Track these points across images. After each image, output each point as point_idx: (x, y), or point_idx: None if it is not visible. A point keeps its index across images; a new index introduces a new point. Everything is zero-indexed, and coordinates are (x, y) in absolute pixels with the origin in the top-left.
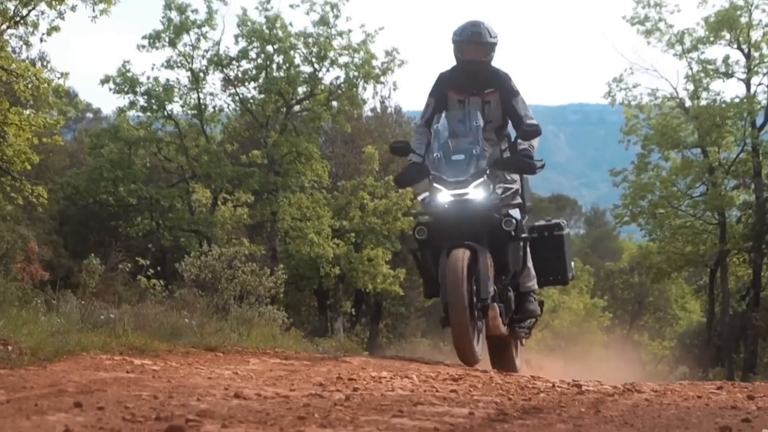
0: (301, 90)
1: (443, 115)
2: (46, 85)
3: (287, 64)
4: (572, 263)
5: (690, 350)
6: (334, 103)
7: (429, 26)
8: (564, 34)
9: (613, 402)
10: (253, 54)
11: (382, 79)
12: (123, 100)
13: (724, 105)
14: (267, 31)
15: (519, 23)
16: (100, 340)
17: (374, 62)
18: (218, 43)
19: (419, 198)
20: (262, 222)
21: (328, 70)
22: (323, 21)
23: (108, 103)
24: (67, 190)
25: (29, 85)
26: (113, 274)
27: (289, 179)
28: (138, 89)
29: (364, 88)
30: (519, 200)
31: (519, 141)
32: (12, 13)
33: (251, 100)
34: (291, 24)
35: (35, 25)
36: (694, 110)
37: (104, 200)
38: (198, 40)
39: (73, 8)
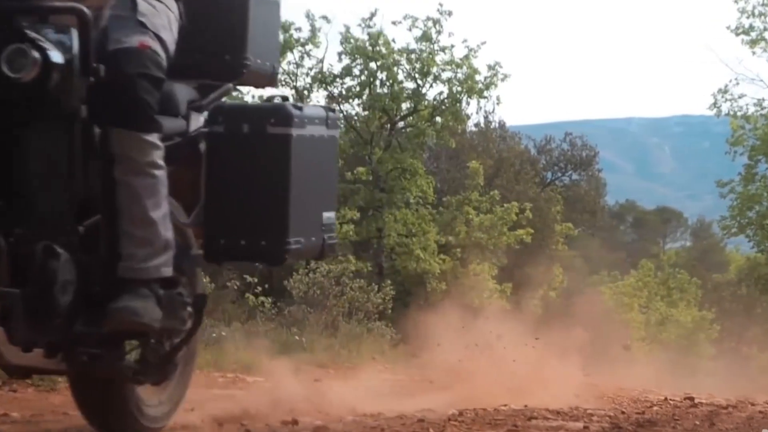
0: (405, 106)
1: None
2: None
3: (390, 81)
4: (329, 214)
5: None
6: (438, 119)
7: (531, 40)
8: (667, 46)
9: (727, 415)
10: (356, 71)
11: (485, 93)
12: None
13: None
14: (370, 48)
15: (622, 37)
16: (212, 357)
17: (477, 77)
18: (322, 61)
19: None
20: (369, 238)
21: (431, 86)
22: (425, 37)
23: None
24: None
25: None
26: (222, 293)
27: (394, 195)
28: None
29: (468, 103)
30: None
31: None
32: None
33: (355, 117)
34: (393, 40)
35: None
36: None
37: None
38: (302, 57)
39: None
